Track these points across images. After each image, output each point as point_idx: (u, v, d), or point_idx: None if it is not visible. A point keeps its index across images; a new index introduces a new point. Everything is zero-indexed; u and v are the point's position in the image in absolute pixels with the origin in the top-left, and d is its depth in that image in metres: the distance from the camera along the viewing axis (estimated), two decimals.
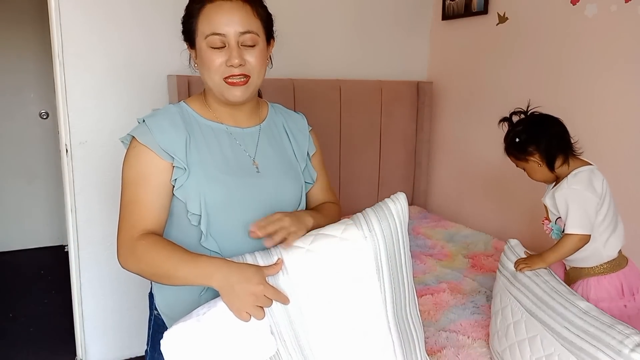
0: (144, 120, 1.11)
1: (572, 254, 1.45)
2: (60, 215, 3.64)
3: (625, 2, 1.97)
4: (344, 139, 2.75)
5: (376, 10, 2.82)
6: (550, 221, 1.55)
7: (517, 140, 1.51)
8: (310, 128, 1.32)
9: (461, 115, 2.84)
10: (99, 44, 2.21)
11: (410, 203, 3.06)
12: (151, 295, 1.21)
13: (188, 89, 2.26)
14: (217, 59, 1.07)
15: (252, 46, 1.08)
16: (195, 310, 0.96)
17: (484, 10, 2.58)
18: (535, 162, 1.50)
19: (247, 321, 0.93)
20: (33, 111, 3.92)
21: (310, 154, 1.30)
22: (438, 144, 3.02)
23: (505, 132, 1.58)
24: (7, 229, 3.97)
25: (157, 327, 1.17)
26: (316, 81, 2.57)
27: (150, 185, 1.06)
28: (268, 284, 0.96)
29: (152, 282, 1.18)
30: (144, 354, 1.25)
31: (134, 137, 1.09)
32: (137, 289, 2.39)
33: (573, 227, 1.41)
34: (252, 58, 1.08)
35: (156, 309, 1.17)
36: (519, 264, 1.48)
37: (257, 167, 1.15)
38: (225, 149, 1.13)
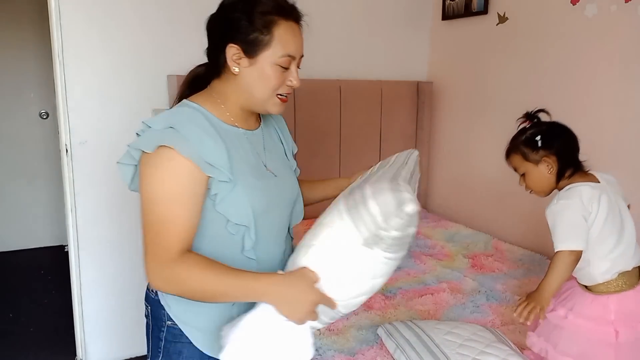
0: (171, 127, 1.00)
1: (568, 273, 1.36)
2: (60, 215, 3.63)
3: (625, 2, 1.97)
4: (344, 139, 2.76)
5: (376, 10, 2.82)
6: None
7: (538, 137, 1.45)
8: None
9: (461, 115, 2.84)
10: (99, 44, 2.21)
11: None
12: (158, 306, 1.15)
13: None
14: (281, 78, 1.08)
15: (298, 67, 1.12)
16: (242, 321, 1.00)
17: (484, 10, 2.58)
18: (547, 166, 1.45)
19: (302, 325, 1.00)
20: (33, 111, 3.92)
21: (294, 153, 1.34)
22: (438, 144, 3.02)
23: (519, 129, 1.51)
24: (7, 229, 3.98)
25: (171, 338, 1.14)
26: (316, 81, 2.57)
27: (188, 202, 1.00)
28: (319, 291, 0.99)
29: (164, 295, 1.14)
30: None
31: (167, 147, 0.98)
32: (137, 289, 2.38)
33: (559, 243, 1.35)
34: (298, 78, 1.13)
35: (170, 320, 1.13)
36: (521, 311, 1.34)
37: (270, 171, 1.16)
38: (249, 154, 1.12)
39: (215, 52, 1.10)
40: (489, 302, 1.86)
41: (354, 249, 0.98)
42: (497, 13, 2.52)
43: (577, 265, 1.42)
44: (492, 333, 1.53)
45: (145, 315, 1.20)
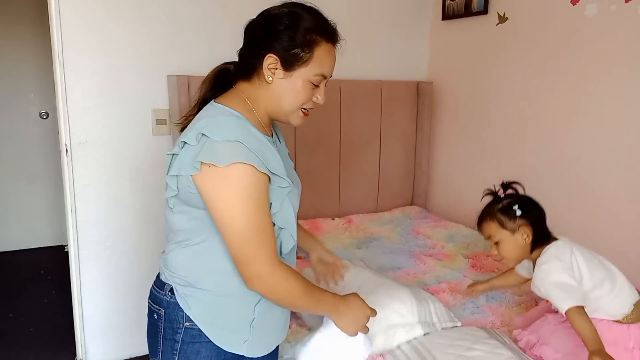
0: (237, 141, 1.03)
1: (589, 320, 1.36)
2: (60, 215, 3.64)
3: (625, 2, 1.97)
4: (344, 139, 2.76)
5: (376, 10, 2.82)
6: None
7: (516, 206, 1.48)
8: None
9: (461, 115, 2.84)
10: (99, 44, 2.21)
11: (410, 203, 3.06)
12: (176, 308, 1.15)
13: (188, 89, 2.26)
14: (310, 94, 1.13)
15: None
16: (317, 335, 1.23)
17: (484, 10, 2.58)
18: (523, 235, 1.48)
19: (354, 336, 1.21)
20: (33, 111, 3.92)
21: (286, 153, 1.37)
22: (438, 144, 3.02)
23: (493, 199, 1.55)
24: (7, 229, 3.98)
25: (189, 339, 1.14)
26: None
27: (268, 211, 1.08)
28: (369, 306, 1.21)
29: (183, 296, 1.14)
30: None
31: (244, 163, 1.02)
32: (137, 289, 2.39)
33: (561, 304, 1.36)
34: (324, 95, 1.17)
35: (189, 321, 1.14)
36: None
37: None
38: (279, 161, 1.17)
39: (251, 57, 1.12)
40: (489, 302, 1.86)
41: (410, 325, 1.53)
42: (497, 13, 2.52)
43: (595, 314, 1.46)
44: (487, 332, 1.53)
45: (155, 318, 1.19)
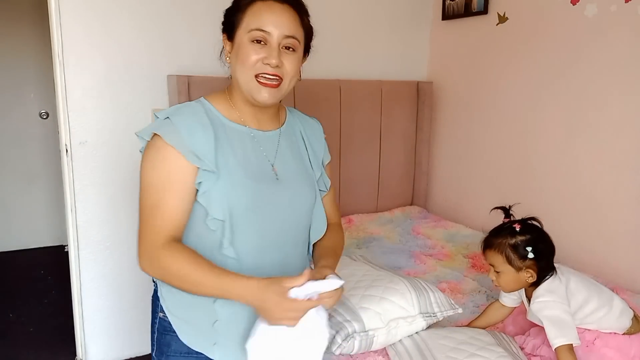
0: (168, 117, 1.05)
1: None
2: (60, 215, 3.63)
3: (625, 2, 1.97)
4: (344, 139, 2.76)
5: (376, 10, 2.82)
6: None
7: (530, 248, 1.41)
8: (325, 135, 1.32)
9: (461, 115, 2.84)
10: (99, 43, 2.21)
11: (410, 203, 3.06)
12: (156, 298, 1.18)
13: (188, 89, 2.26)
14: (255, 55, 1.06)
15: (292, 52, 1.09)
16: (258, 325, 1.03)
17: (484, 10, 2.58)
18: (527, 274, 1.44)
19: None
20: (33, 111, 3.92)
21: (325, 163, 1.30)
22: (438, 144, 3.02)
23: (506, 227, 1.48)
24: (7, 229, 3.97)
25: (162, 330, 1.15)
26: (316, 81, 2.57)
27: (175, 189, 1.03)
28: (289, 301, 0.96)
29: (159, 285, 1.16)
30: (150, 356, 1.24)
31: (158, 135, 1.03)
32: (137, 289, 2.39)
33: (552, 341, 1.36)
34: (288, 63, 1.08)
35: (162, 312, 1.14)
36: None
37: (276, 174, 1.14)
38: (249, 153, 1.12)
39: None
40: (489, 302, 1.85)
41: (411, 317, 1.53)
42: (497, 13, 2.52)
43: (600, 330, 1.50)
44: (495, 337, 1.52)
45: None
